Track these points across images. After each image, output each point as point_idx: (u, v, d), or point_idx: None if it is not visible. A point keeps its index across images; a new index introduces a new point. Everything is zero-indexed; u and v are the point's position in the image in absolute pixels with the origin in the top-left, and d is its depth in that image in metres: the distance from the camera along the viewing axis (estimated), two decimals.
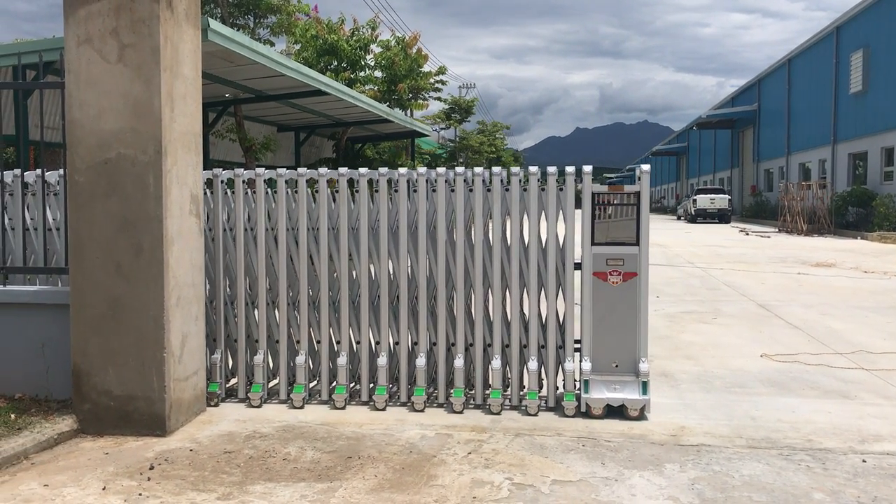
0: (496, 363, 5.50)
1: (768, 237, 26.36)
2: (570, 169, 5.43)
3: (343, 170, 5.72)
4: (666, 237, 26.19)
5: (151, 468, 4.37)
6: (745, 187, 49.84)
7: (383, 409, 5.51)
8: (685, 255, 18.30)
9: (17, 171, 6.09)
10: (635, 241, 5.35)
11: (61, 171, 5.97)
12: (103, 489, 4.07)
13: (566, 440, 4.84)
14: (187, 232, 5.22)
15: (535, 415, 5.37)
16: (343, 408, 5.56)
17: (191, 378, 5.28)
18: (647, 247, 5.37)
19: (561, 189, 5.45)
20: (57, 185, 6.04)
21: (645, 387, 5.28)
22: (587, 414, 5.30)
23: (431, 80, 29.38)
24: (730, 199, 41.38)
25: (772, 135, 45.06)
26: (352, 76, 24.14)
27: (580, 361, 5.41)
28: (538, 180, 5.47)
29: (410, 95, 27.59)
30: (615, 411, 5.31)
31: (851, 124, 32.90)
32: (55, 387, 5.40)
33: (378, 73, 26.50)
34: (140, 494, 3.99)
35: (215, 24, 10.43)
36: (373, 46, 25.33)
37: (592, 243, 5.36)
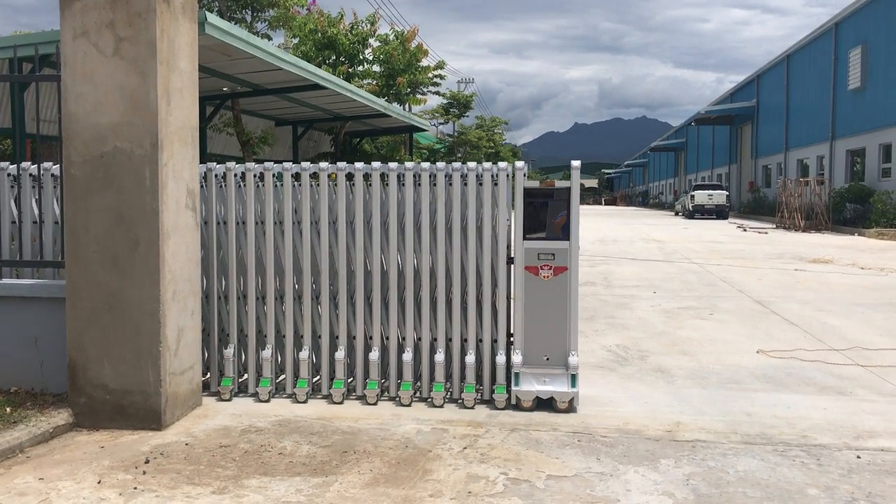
0: (440, 357, 5.60)
1: (766, 233, 26.38)
2: (503, 165, 5.56)
3: (323, 164, 5.76)
4: (663, 233, 26.21)
5: (147, 462, 4.37)
6: (744, 183, 49.86)
7: (340, 403, 5.55)
8: (682, 250, 18.31)
9: (2, 164, 6.05)
10: (566, 236, 5.41)
11: (46, 163, 5.93)
12: (98, 483, 4.07)
13: (561, 435, 4.84)
14: (183, 226, 5.21)
15: (472, 407, 5.45)
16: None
17: (186, 372, 5.27)
18: (578, 241, 5.44)
19: (496, 184, 5.55)
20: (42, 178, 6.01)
21: (574, 379, 5.37)
22: (517, 406, 5.40)
23: (430, 75, 29.39)
24: (728, 196, 41.41)
25: (770, 131, 45.07)
26: (350, 70, 24.12)
27: (511, 354, 5.52)
28: (477, 176, 5.56)
29: (409, 90, 27.57)
30: (545, 403, 5.41)
31: (850, 121, 32.90)
32: (51, 380, 5.39)
33: (376, 68, 26.47)
34: (135, 488, 3.99)
35: (212, 18, 10.42)
36: (371, 41, 25.30)
37: (525, 238, 5.43)
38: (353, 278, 5.72)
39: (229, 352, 5.78)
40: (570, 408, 5.35)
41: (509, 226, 5.52)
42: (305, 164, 5.74)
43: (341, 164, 5.69)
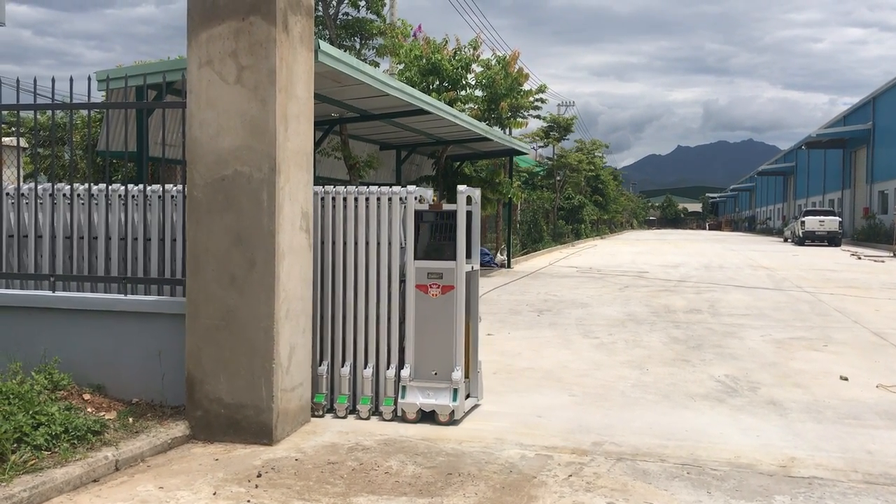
0: (345, 370, 5.85)
1: (882, 262, 25.10)
2: (396, 189, 5.83)
3: None
4: (772, 260, 25.32)
5: (259, 476, 4.50)
6: (857, 209, 47.68)
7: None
8: (792, 278, 17.65)
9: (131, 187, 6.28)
10: (452, 257, 5.62)
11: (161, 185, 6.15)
12: (214, 494, 4.22)
13: (670, 467, 4.74)
14: (297, 247, 5.38)
15: (367, 419, 5.68)
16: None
17: (297, 389, 5.42)
18: (464, 262, 5.70)
19: (390, 206, 5.82)
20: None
21: (455, 393, 5.60)
22: (402, 418, 5.60)
23: (531, 99, 29.36)
24: (840, 222, 39.63)
25: (887, 155, 43.01)
26: (453, 95, 24.36)
27: (399, 368, 5.75)
28: (377, 199, 5.85)
29: (510, 114, 27.62)
30: (427, 416, 5.63)
31: None
32: (170, 393, 5.62)
33: (479, 92, 26.66)
34: (248, 501, 4.12)
35: (325, 46, 10.71)
36: (474, 66, 25.50)
37: (415, 258, 5.73)
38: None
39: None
40: (451, 420, 5.53)
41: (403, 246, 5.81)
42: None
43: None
